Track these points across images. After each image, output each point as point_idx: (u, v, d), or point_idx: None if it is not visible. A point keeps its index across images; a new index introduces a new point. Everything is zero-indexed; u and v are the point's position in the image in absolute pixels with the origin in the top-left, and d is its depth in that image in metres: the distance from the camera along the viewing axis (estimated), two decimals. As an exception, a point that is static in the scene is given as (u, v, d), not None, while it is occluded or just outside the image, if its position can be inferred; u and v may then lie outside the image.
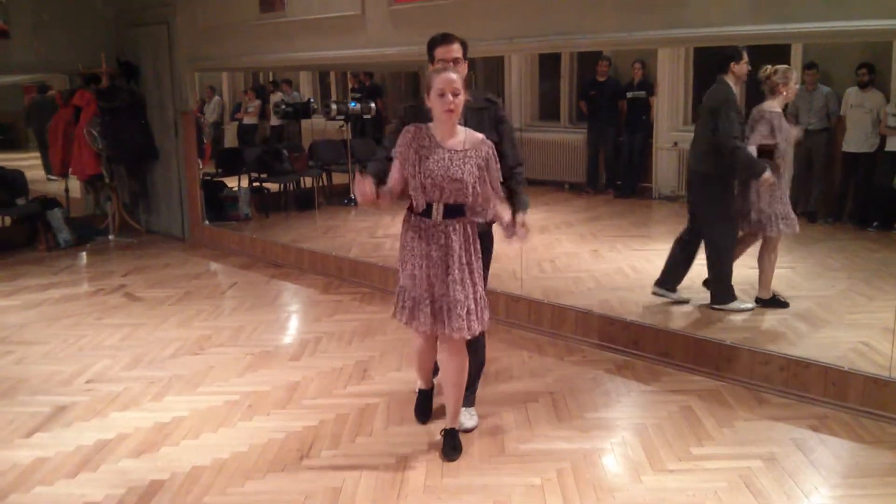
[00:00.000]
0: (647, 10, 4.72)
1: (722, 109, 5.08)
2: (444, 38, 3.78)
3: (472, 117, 3.70)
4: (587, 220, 8.77)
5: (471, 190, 3.41)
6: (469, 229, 3.53)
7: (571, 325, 5.29)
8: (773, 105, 5.22)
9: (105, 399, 4.49)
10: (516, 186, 3.81)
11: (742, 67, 5.19)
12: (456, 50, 3.74)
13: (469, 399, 4.02)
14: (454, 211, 3.47)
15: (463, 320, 3.49)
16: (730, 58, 5.15)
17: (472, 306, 3.52)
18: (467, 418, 3.99)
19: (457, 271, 3.47)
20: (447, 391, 3.74)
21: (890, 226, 6.90)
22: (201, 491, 3.46)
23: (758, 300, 5.39)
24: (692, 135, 5.68)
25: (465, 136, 3.45)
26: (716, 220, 5.31)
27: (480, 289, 3.59)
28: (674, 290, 5.54)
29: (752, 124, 5.22)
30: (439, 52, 3.75)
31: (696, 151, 5.38)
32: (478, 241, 3.57)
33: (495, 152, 3.48)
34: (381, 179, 3.52)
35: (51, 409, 4.34)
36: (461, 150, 3.41)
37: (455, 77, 3.34)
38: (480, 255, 3.59)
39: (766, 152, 5.19)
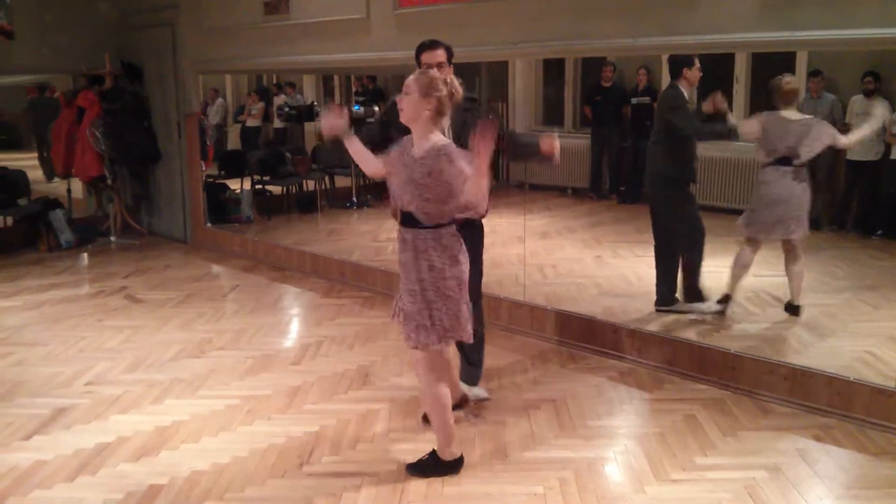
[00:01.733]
0: (652, 17, 4.71)
1: (679, 108, 5.32)
2: (430, 44, 3.95)
3: (458, 117, 3.83)
4: (590, 226, 8.74)
5: (420, 198, 3.33)
6: (426, 243, 3.40)
7: (574, 332, 5.26)
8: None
9: (105, 402, 4.46)
10: (515, 137, 4.02)
11: (695, 73, 5.38)
12: (440, 55, 3.91)
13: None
14: (410, 219, 3.43)
15: (412, 330, 3.45)
16: (683, 63, 5.34)
17: (427, 323, 3.42)
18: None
19: (406, 281, 3.49)
20: None
21: (895, 234, 6.87)
22: (200, 496, 3.44)
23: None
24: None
25: (430, 144, 3.34)
26: (679, 220, 5.52)
27: (443, 306, 3.42)
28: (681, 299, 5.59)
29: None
30: (425, 57, 3.93)
31: (653, 156, 5.55)
32: (449, 256, 3.41)
33: (451, 157, 3.28)
34: (366, 143, 3.71)
35: (50, 412, 4.32)
36: (419, 158, 3.35)
37: (408, 79, 3.37)
38: (458, 268, 3.44)
39: None
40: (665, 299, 5.55)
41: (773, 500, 3.32)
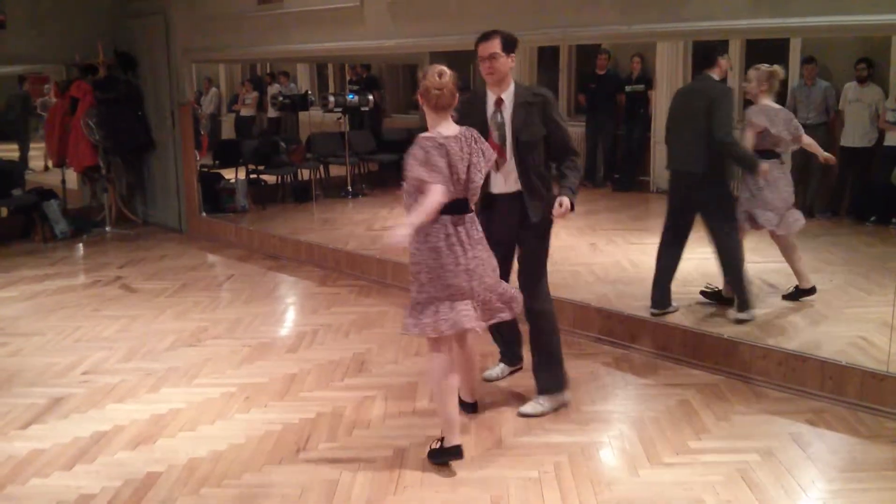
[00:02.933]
0: (645, 4, 4.71)
1: (726, 104, 4.92)
2: (483, 36, 3.88)
3: (520, 111, 3.86)
4: (585, 214, 8.74)
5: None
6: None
7: (569, 319, 5.27)
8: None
9: (101, 391, 4.48)
10: (566, 171, 3.97)
11: (726, 62, 5.18)
12: (492, 46, 3.83)
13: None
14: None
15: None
16: (717, 51, 5.00)
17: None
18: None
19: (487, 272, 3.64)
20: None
21: (888, 220, 6.90)
22: (198, 483, 3.46)
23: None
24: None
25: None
26: (722, 220, 5.12)
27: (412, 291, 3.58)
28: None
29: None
30: (479, 49, 3.87)
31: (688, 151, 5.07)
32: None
33: (412, 151, 3.40)
34: None
35: (47, 401, 4.33)
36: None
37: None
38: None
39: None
40: (659, 303, 5.26)
41: (766, 482, 3.35)
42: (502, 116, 3.88)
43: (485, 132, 3.76)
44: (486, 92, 3.94)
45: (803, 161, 8.08)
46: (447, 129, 3.45)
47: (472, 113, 3.84)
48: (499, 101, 3.89)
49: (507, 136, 3.87)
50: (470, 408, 4.05)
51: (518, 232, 4.02)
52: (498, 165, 3.87)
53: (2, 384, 4.61)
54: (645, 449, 3.68)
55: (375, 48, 6.34)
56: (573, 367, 4.68)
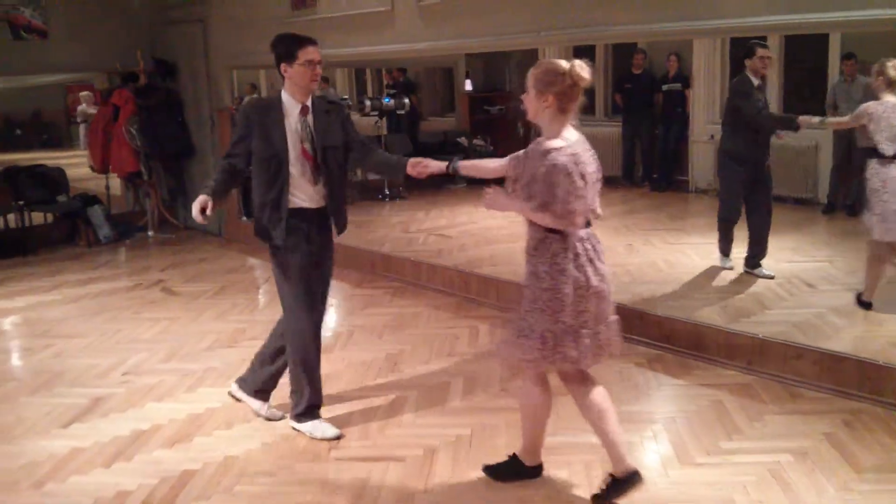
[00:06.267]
0: (676, 1, 4.66)
1: (745, 94, 5.60)
2: (312, 41, 3.79)
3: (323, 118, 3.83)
4: (622, 214, 8.71)
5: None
6: None
7: (602, 319, 5.25)
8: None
9: (141, 391, 4.58)
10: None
11: (756, 63, 5.57)
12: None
13: None
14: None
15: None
16: (744, 54, 5.65)
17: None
18: None
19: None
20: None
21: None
22: (232, 480, 3.52)
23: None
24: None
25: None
26: (723, 192, 6.03)
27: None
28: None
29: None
30: (311, 54, 3.74)
31: (723, 136, 6.01)
32: None
33: (551, 174, 2.97)
34: None
35: (88, 401, 4.44)
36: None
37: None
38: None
39: None
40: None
41: (798, 483, 3.31)
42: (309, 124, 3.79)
43: (283, 143, 3.72)
44: (285, 100, 3.79)
45: (845, 160, 7.97)
46: (571, 133, 3.06)
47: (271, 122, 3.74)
48: (304, 109, 3.79)
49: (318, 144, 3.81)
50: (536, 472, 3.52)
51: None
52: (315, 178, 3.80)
53: (45, 384, 4.74)
54: (675, 449, 3.66)
55: (407, 51, 6.39)
56: (606, 367, 4.67)
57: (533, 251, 3.10)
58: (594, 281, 3.05)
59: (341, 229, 3.97)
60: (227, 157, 3.88)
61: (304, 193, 3.79)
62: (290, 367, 4.00)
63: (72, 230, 8.74)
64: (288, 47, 3.72)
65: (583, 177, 2.97)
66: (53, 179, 8.73)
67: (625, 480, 3.18)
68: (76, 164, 11.24)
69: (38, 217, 8.61)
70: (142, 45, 8.81)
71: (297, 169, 3.74)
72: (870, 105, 4.98)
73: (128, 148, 8.66)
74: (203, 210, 3.70)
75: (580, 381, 3.23)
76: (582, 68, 2.97)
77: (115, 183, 9.34)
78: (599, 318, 3.12)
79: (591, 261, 3.06)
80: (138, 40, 8.84)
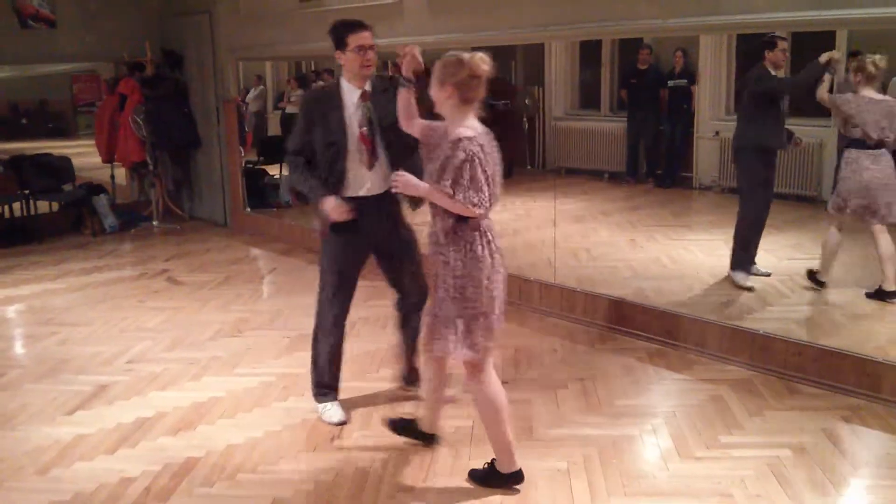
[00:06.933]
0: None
1: (767, 78, 5.49)
2: (363, 25, 3.81)
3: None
4: (626, 210, 8.72)
5: None
6: None
7: (605, 314, 5.28)
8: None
9: (145, 379, 4.61)
10: None
11: (777, 55, 5.44)
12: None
13: None
14: None
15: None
16: (763, 46, 5.43)
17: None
18: None
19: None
20: None
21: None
22: (234, 469, 3.56)
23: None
24: (734, 124, 5.86)
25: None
26: (750, 189, 5.64)
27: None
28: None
29: None
30: (363, 39, 3.75)
31: (738, 129, 5.74)
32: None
33: (458, 159, 3.08)
34: None
35: (92, 388, 4.48)
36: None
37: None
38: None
39: None
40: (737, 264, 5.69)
41: (797, 478, 3.33)
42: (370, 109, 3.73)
43: (342, 130, 3.69)
44: (344, 86, 3.79)
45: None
46: (475, 123, 3.13)
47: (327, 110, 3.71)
48: (364, 95, 3.75)
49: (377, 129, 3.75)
50: (432, 439, 3.73)
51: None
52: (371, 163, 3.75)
53: (50, 371, 4.77)
54: (675, 443, 3.68)
55: (415, 44, 6.38)
56: (608, 362, 4.71)
57: (443, 240, 3.15)
58: (500, 264, 3.17)
59: (415, 205, 3.84)
60: (295, 153, 3.81)
61: (360, 182, 3.75)
62: (312, 343, 4.03)
63: (77, 219, 8.78)
64: (338, 34, 3.71)
65: (493, 165, 3.08)
66: (59, 168, 8.76)
67: (509, 476, 3.31)
68: (82, 154, 11.26)
69: (43, 206, 8.64)
70: (149, 35, 8.83)
71: (354, 156, 3.70)
72: (849, 97, 5.20)
73: (134, 138, 8.68)
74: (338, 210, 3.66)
75: (483, 371, 3.25)
76: (482, 60, 3.07)
77: (121, 172, 9.38)
78: (503, 302, 3.23)
79: (497, 246, 3.17)
80: (146, 30, 8.86)
